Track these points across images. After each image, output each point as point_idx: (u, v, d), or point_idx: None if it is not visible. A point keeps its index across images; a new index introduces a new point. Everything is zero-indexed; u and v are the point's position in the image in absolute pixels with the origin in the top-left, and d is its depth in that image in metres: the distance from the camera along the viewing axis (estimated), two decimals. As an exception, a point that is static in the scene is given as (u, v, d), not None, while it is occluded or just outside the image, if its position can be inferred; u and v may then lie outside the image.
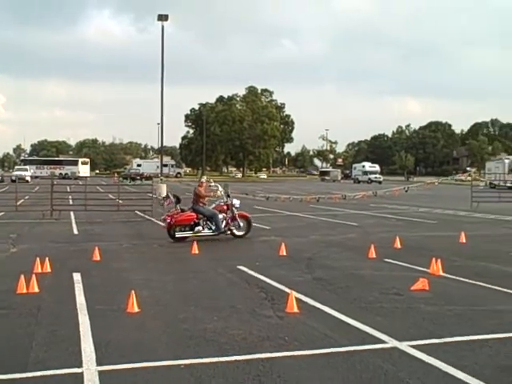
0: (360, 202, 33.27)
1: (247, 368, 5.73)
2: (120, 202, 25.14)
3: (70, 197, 29.23)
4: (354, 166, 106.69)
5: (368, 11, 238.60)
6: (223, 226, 16.13)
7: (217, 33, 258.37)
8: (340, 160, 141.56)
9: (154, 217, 22.24)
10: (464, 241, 15.57)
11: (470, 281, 10.14)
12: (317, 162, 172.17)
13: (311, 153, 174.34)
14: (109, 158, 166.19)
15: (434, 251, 13.25)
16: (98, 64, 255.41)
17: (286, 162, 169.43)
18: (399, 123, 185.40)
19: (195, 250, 13.53)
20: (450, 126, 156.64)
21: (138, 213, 23.63)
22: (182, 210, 16.08)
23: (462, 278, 10.38)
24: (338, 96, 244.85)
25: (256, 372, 5.61)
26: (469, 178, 38.77)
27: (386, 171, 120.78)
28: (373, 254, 12.87)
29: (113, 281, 10.36)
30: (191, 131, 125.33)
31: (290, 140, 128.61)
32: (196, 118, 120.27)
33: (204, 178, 17.32)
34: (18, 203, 24.45)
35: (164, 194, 39.68)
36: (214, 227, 15.98)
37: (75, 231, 18.72)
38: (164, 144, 54.33)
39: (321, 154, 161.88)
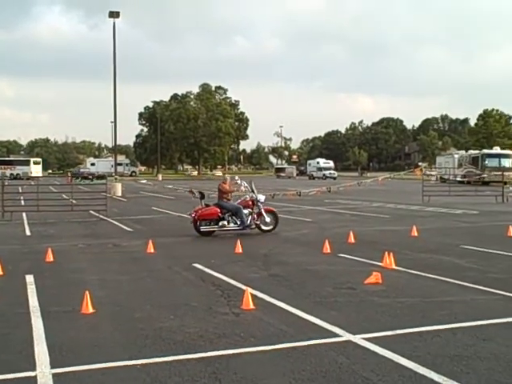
0: (315, 198, 33.64)
1: (203, 366, 5.74)
2: (74, 201, 24.74)
3: (21, 197, 28.57)
4: (308, 162, 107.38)
5: (321, 9, 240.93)
6: (249, 221, 16.58)
7: (170, 30, 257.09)
8: (295, 156, 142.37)
9: (109, 216, 22.00)
10: (416, 234, 15.90)
11: (422, 273, 10.38)
12: (272, 158, 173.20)
13: (266, 150, 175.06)
14: (62, 158, 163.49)
15: (386, 245, 13.51)
16: (49, 62, 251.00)
17: (242, 160, 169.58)
18: (352, 120, 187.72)
19: (151, 249, 13.46)
20: (401, 121, 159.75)
21: (93, 212, 23.29)
22: (207, 206, 16.59)
23: (413, 271, 10.62)
24: (292, 93, 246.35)
25: (212, 369, 5.63)
26: (426, 175, 39.48)
27: (340, 167, 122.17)
28: (327, 249, 13.04)
29: (67, 282, 10.20)
30: (145, 129, 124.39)
31: (245, 137, 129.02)
32: (150, 116, 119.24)
33: (228, 177, 17.89)
34: (-33, 205, 23.76)
35: (119, 193, 39.50)
36: (238, 222, 16.45)
37: (28, 232, 18.35)
38: (118, 143, 53.76)
39: (276, 150, 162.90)
